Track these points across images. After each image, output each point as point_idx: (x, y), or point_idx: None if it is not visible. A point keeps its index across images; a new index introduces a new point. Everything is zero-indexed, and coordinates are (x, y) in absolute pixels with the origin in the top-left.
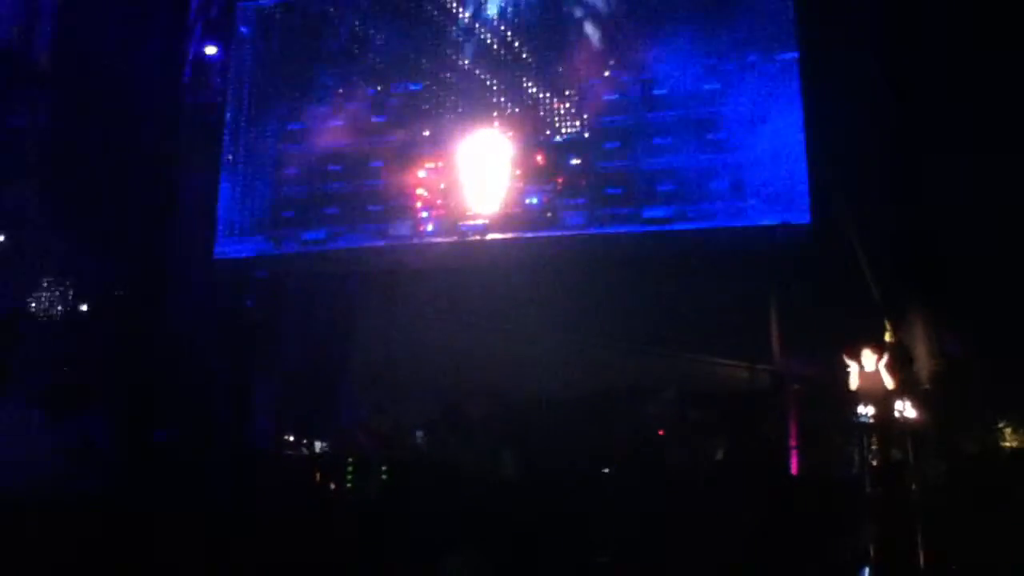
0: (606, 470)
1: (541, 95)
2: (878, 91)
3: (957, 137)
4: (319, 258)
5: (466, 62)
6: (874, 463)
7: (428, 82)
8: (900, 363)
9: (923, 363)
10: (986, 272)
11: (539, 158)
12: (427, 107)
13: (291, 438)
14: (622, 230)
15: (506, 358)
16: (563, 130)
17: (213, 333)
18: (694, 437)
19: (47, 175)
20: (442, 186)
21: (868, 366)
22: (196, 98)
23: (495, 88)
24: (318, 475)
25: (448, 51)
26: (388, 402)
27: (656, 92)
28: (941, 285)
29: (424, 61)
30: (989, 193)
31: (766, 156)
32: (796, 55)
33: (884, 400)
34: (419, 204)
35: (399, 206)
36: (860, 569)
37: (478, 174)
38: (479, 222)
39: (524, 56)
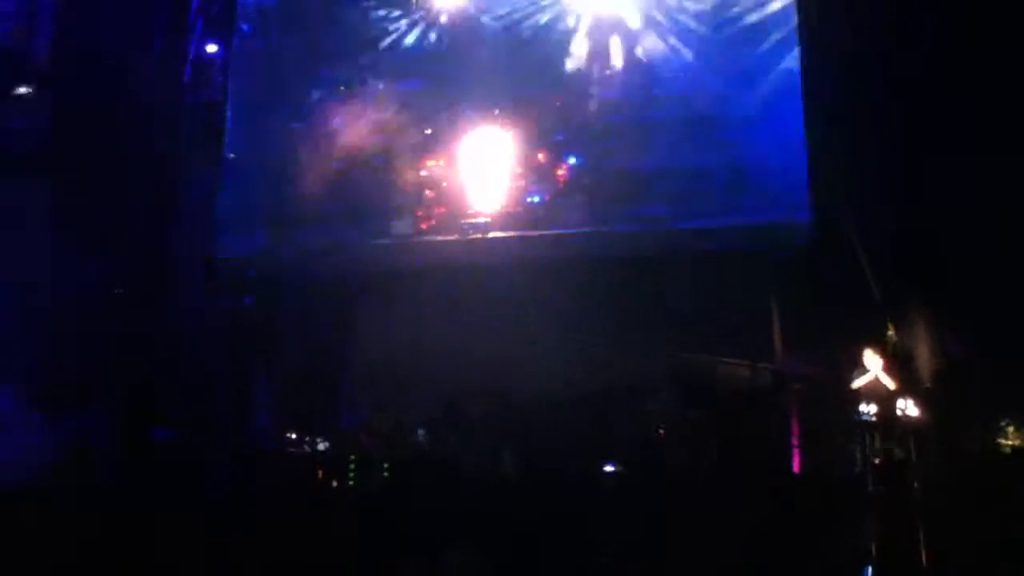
0: (606, 469)
1: (543, 94)
2: (878, 91)
3: (957, 137)
4: (320, 257)
5: (467, 60)
6: (876, 462)
7: (429, 80)
8: (901, 362)
9: (924, 362)
10: (986, 271)
11: (540, 157)
12: (428, 105)
13: (292, 436)
14: (623, 228)
15: (507, 356)
16: (564, 128)
17: (213, 332)
18: (695, 436)
19: (47, 174)
20: (443, 184)
21: (870, 365)
22: (197, 96)
23: (496, 86)
24: (320, 473)
25: (449, 49)
26: (389, 401)
27: (656, 91)
28: (942, 284)
29: (425, 59)
30: (989, 193)
31: (766, 155)
32: (796, 54)
33: (886, 399)
34: (420, 202)
35: (400, 204)
36: (862, 567)
37: (479, 172)
38: (480, 220)
39: (526, 54)
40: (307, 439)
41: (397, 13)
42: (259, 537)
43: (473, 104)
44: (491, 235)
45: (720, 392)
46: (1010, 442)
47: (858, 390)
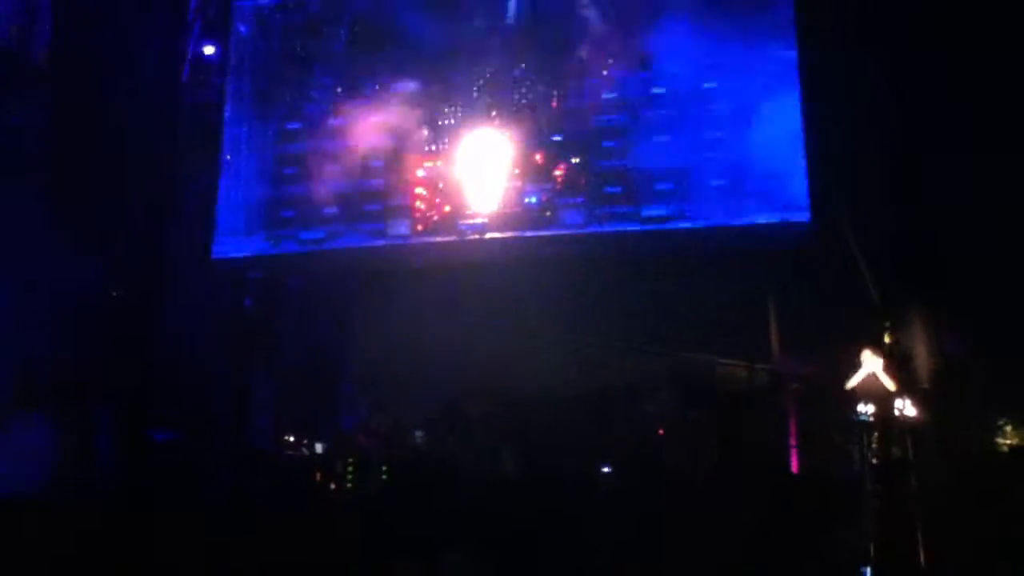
0: (605, 469)
1: (540, 93)
2: (878, 90)
3: (957, 137)
4: (318, 258)
5: (464, 60)
6: (874, 462)
7: (427, 81)
8: (900, 362)
9: (922, 362)
10: (986, 271)
11: (538, 157)
12: (426, 106)
13: (291, 438)
14: (621, 229)
15: (505, 357)
16: (562, 128)
17: (212, 333)
18: (693, 436)
19: (45, 174)
20: (441, 185)
21: (868, 365)
22: (194, 97)
23: (494, 86)
24: (318, 475)
25: (446, 50)
26: (387, 401)
27: (655, 90)
28: (940, 284)
29: (422, 60)
30: (989, 193)
31: (765, 154)
32: (795, 53)
33: (884, 399)
34: (418, 203)
35: (398, 205)
36: (860, 567)
37: (477, 173)
38: (478, 221)
39: (523, 54)
40: (306, 440)
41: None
42: (258, 538)
43: (471, 103)
44: (489, 235)
45: (719, 392)
46: (1008, 441)
47: (856, 390)
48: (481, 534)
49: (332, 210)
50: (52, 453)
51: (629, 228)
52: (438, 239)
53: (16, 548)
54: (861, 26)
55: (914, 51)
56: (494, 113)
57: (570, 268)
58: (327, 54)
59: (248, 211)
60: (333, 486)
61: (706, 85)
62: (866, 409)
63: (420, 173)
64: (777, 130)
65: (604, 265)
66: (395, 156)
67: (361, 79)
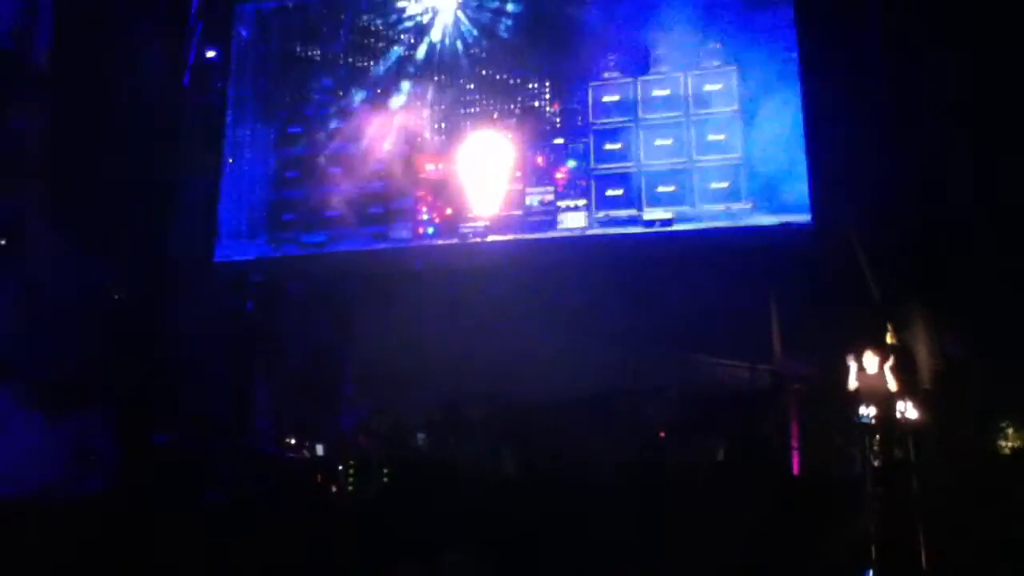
0: (607, 471)
1: (541, 97)
2: (878, 92)
3: (957, 137)
4: (320, 261)
5: (466, 64)
6: (875, 463)
7: (427, 85)
8: (902, 364)
9: (924, 363)
10: (987, 272)
11: (539, 160)
12: (427, 109)
13: (292, 440)
14: (622, 231)
15: (506, 359)
16: (563, 131)
17: (214, 335)
18: (695, 437)
19: (48, 176)
20: (442, 188)
21: (870, 367)
22: (196, 101)
23: (495, 90)
24: (319, 477)
25: (448, 53)
26: (388, 403)
27: (656, 93)
28: (942, 285)
29: (423, 63)
30: (990, 193)
31: (766, 157)
32: (797, 55)
33: (886, 400)
34: (419, 206)
35: (399, 209)
36: (861, 569)
37: (478, 176)
38: (479, 224)
39: (524, 58)
40: (307, 441)
41: (397, 16)
42: (259, 540)
43: (472, 107)
44: (490, 238)
45: (720, 393)
46: (1009, 443)
47: (857, 391)
48: (482, 536)
49: (333, 213)
50: (52, 453)
51: (630, 231)
52: (439, 242)
53: (16, 548)
54: (862, 27)
55: (914, 51)
56: (496, 116)
57: (572, 271)
58: (328, 57)
59: (249, 214)
60: (334, 488)
61: (707, 87)
62: (867, 411)
63: (421, 176)
64: (778, 132)
65: (605, 268)
66: (396, 159)
67: (362, 82)
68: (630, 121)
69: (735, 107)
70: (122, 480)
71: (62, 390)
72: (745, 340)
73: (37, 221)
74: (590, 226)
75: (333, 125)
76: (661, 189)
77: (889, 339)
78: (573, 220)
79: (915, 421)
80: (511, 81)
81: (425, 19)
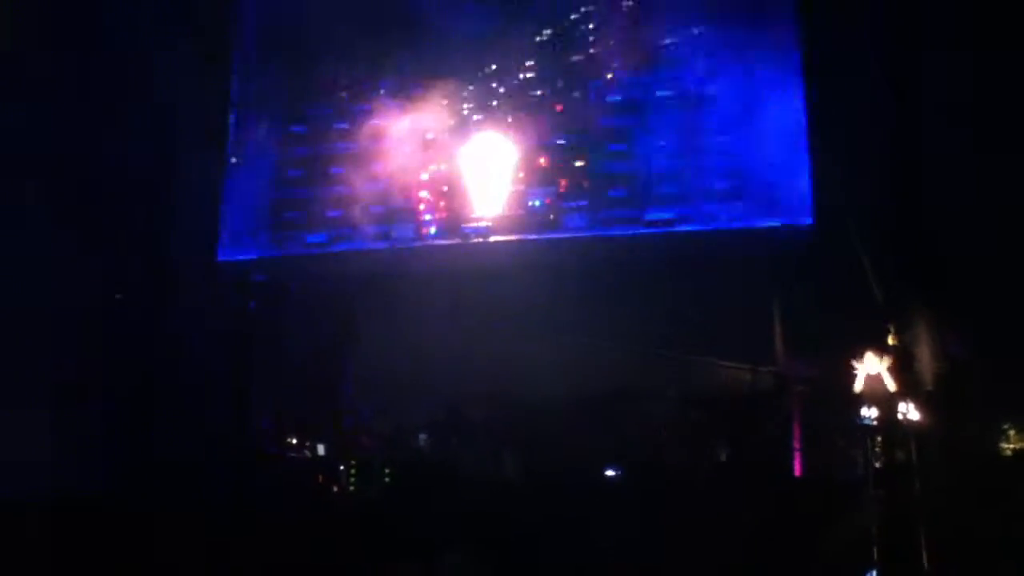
0: (608, 472)
1: (544, 97)
2: (879, 91)
3: (958, 137)
4: (322, 260)
5: (469, 64)
6: (877, 465)
7: (431, 84)
8: (903, 365)
9: (926, 365)
10: (989, 273)
11: (542, 160)
12: (430, 109)
13: (293, 440)
14: (625, 232)
15: (508, 360)
16: (566, 132)
17: (216, 335)
18: (696, 439)
19: (48, 175)
20: (445, 188)
21: (871, 368)
22: (199, 100)
23: (498, 90)
24: (320, 477)
25: (450, 53)
26: (390, 404)
27: (659, 93)
28: (944, 286)
29: (426, 63)
30: (992, 194)
31: (768, 158)
32: (798, 56)
33: (887, 402)
34: (422, 206)
35: (402, 208)
36: (863, 571)
37: (481, 176)
38: (482, 224)
39: (527, 58)
40: (308, 442)
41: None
42: (260, 540)
43: (475, 107)
44: (492, 239)
45: (721, 395)
46: (1012, 445)
47: (859, 393)
48: (483, 536)
49: (336, 213)
50: (52, 453)
51: (633, 231)
52: (442, 242)
53: (16, 548)
54: (862, 28)
55: (915, 51)
56: (498, 116)
57: (574, 272)
58: (332, 57)
59: (252, 213)
60: (335, 488)
61: (710, 89)
62: (869, 412)
63: (424, 176)
64: (780, 134)
65: (607, 269)
66: (399, 159)
67: (366, 82)
68: (632, 122)
69: (738, 108)
70: (122, 480)
71: (62, 390)
72: (747, 342)
73: (38, 221)
74: (592, 227)
75: (336, 124)
76: (663, 190)
77: (890, 340)
78: (575, 221)
79: (917, 423)
80: (515, 80)
81: (427, 17)
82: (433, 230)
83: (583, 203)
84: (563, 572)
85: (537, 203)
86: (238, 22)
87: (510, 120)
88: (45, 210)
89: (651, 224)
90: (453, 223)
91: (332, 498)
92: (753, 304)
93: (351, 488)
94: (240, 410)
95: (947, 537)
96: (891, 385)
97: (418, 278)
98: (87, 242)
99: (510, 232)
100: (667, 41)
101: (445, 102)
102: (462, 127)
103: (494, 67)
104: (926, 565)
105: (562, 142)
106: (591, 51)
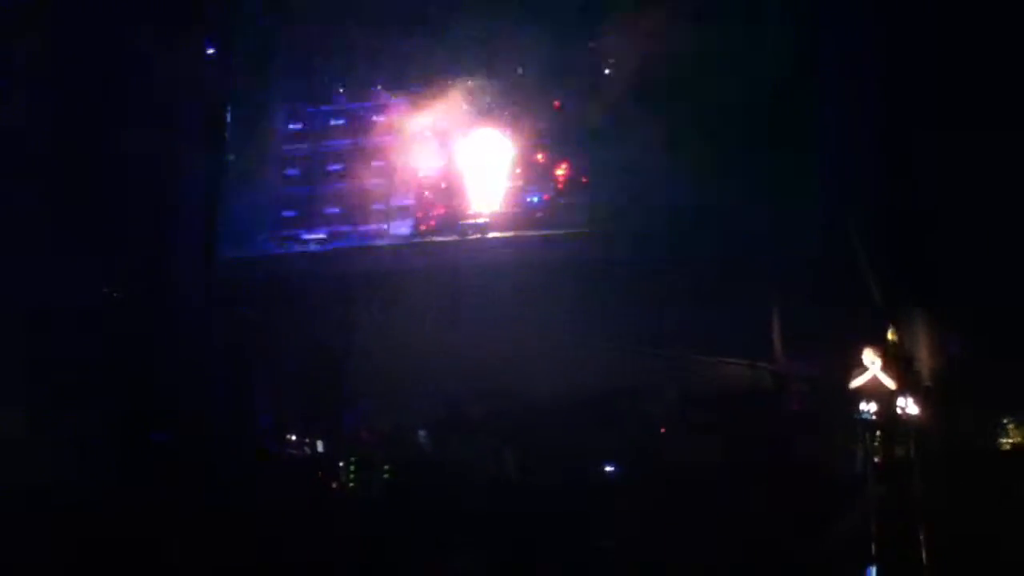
0: (607, 469)
1: (541, 93)
2: (879, 88)
3: (959, 135)
4: (320, 258)
5: (467, 62)
6: (876, 461)
7: (429, 82)
8: (901, 362)
9: (925, 361)
10: (988, 270)
11: (539, 157)
12: (428, 106)
13: (293, 438)
14: (623, 228)
15: (507, 357)
16: (563, 129)
17: (215, 333)
18: (695, 436)
19: (46, 174)
20: (443, 185)
21: (870, 364)
22: (197, 97)
23: (496, 87)
24: (320, 475)
25: (449, 51)
26: (389, 401)
27: (656, 90)
28: (943, 283)
29: (425, 61)
30: (991, 192)
31: (769, 154)
32: (796, 55)
33: (886, 397)
34: (420, 203)
35: (400, 206)
36: (863, 566)
37: (479, 173)
38: (480, 221)
39: (525, 55)
40: (307, 439)
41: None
42: (259, 537)
43: (473, 104)
44: (490, 236)
45: (720, 392)
46: (1010, 440)
47: (858, 389)
48: (482, 533)
49: (334, 210)
50: (52, 453)
51: (630, 228)
52: (440, 239)
53: (16, 547)
54: (863, 28)
55: (916, 52)
56: (496, 113)
57: (571, 268)
58: (330, 54)
59: (250, 211)
60: (335, 486)
61: (707, 83)
62: (868, 408)
63: (422, 173)
64: (780, 130)
65: (605, 265)
66: (397, 156)
67: (364, 80)
68: (630, 118)
69: (736, 104)
70: (122, 479)
71: (61, 389)
72: (746, 338)
73: (36, 220)
74: (590, 223)
75: (334, 122)
76: (658, 185)
77: (889, 336)
78: (573, 217)
79: (916, 418)
80: (512, 77)
81: (425, 15)
82: (431, 227)
83: (581, 199)
84: (562, 570)
85: (535, 200)
86: (238, 19)
87: (508, 116)
88: (44, 209)
89: (647, 220)
90: (451, 220)
91: (332, 495)
92: (752, 301)
93: (350, 485)
94: (239, 408)
95: (946, 532)
96: (890, 381)
97: (416, 275)
98: (85, 240)
99: (508, 229)
100: (664, 37)
101: (443, 99)
102: (460, 124)
103: (492, 64)
104: (925, 560)
105: (559, 138)
106: (588, 47)
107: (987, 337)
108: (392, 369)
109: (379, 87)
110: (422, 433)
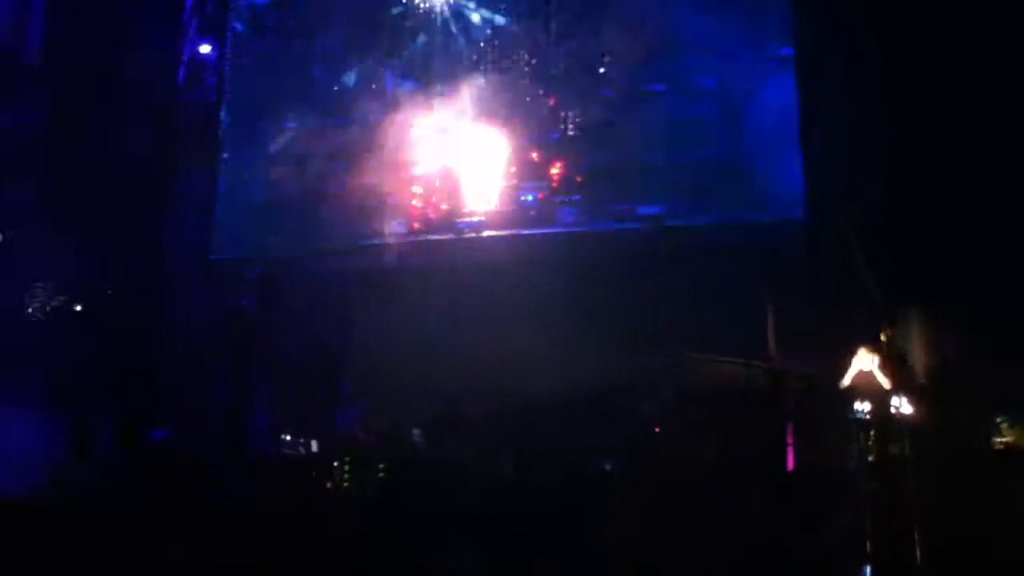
0: (604, 467)
1: (536, 93)
2: (874, 87)
3: (955, 134)
4: (316, 256)
5: (462, 60)
6: (871, 459)
7: (424, 80)
8: (896, 361)
9: (919, 360)
10: (982, 269)
11: (534, 155)
12: (423, 105)
13: (288, 437)
14: (617, 227)
15: (502, 355)
16: (558, 127)
17: (211, 332)
18: (691, 434)
19: (43, 174)
20: (438, 184)
21: (864, 364)
22: (192, 97)
23: (491, 86)
24: (315, 474)
25: (444, 50)
26: (385, 400)
27: (651, 88)
28: (937, 282)
29: (420, 60)
30: (986, 191)
31: (761, 152)
32: (792, 51)
33: (881, 396)
34: (416, 202)
35: (396, 204)
36: (857, 565)
37: (474, 171)
38: (475, 219)
39: (519, 54)
40: (303, 439)
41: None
42: (256, 537)
43: (468, 103)
44: (486, 234)
45: (716, 390)
46: (1004, 439)
47: (853, 388)
48: (478, 533)
49: (330, 209)
50: (52, 453)
51: (625, 226)
52: (435, 237)
53: (16, 548)
54: (858, 24)
55: (912, 48)
56: (490, 111)
57: (566, 266)
58: (324, 53)
59: (246, 210)
60: (330, 485)
61: (703, 83)
62: (863, 407)
63: (417, 172)
64: (773, 128)
65: (600, 263)
66: (392, 154)
67: (357, 78)
68: (625, 116)
69: (731, 102)
70: (120, 478)
71: (60, 389)
72: (741, 336)
73: (33, 219)
74: (584, 221)
75: (328, 121)
76: (656, 184)
77: (883, 335)
78: (568, 215)
79: (910, 417)
80: (505, 76)
81: (419, 14)
82: (427, 225)
83: (576, 198)
84: (558, 569)
85: (530, 198)
86: (233, 20)
87: (502, 115)
88: (39, 208)
89: (644, 219)
90: (447, 218)
91: (327, 494)
92: (747, 299)
93: (345, 484)
94: (236, 407)
95: (940, 530)
96: (884, 380)
97: (411, 273)
98: (81, 240)
99: (503, 227)
100: (661, 36)
101: (438, 98)
102: (455, 122)
103: (487, 61)
104: (919, 558)
105: (554, 137)
106: (583, 46)
107: (981, 336)
108: (387, 367)
109: (374, 85)
110: (416, 432)
